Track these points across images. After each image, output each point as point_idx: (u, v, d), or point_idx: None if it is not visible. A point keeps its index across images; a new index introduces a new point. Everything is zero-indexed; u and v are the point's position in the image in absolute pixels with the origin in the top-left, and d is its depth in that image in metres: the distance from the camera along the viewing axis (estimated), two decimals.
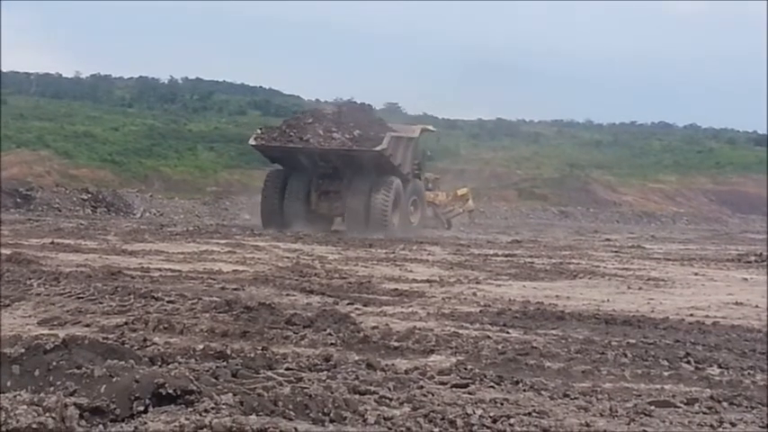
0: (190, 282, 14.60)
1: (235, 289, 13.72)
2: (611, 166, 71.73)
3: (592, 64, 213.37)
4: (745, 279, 18.61)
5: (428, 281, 16.23)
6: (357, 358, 8.28)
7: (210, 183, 53.50)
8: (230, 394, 5.90)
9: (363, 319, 10.98)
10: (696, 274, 19.58)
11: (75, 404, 5.35)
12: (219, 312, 10.80)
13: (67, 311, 10.90)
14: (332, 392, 6.31)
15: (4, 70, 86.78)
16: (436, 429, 5.80)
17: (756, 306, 13.79)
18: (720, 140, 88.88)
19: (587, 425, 6.03)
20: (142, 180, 51.42)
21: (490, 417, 6.11)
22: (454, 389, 7.21)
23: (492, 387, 7.37)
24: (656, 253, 26.48)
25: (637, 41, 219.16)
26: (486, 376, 7.66)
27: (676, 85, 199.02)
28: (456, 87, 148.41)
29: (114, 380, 5.73)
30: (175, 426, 5.20)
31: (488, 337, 9.91)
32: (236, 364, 7.16)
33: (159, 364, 7.06)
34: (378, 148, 32.04)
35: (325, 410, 5.88)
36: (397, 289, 14.64)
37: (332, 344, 9.23)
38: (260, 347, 8.50)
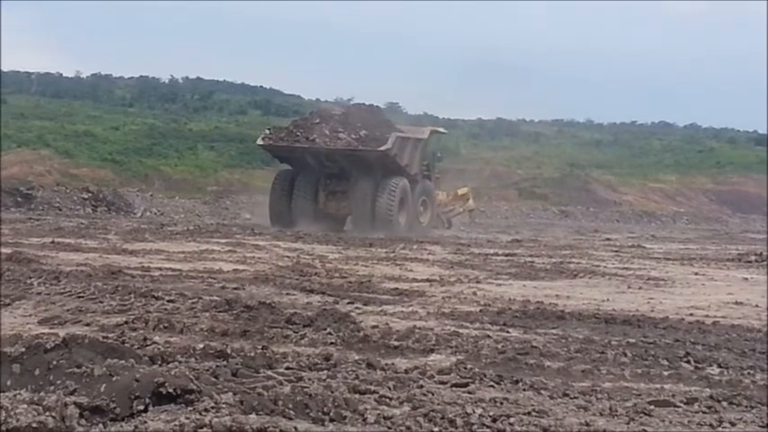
0: (190, 281, 14.61)
1: (235, 288, 13.72)
2: (612, 165, 71.70)
3: (592, 63, 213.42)
4: (746, 279, 18.61)
5: (428, 280, 16.24)
6: (357, 357, 8.28)
7: (211, 182, 53.46)
8: (230, 393, 5.90)
9: (363, 319, 10.99)
10: (696, 273, 19.58)
11: (75, 403, 5.35)
12: (220, 311, 10.81)
13: (68, 310, 10.91)
14: (332, 392, 6.32)
15: (4, 70, 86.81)
16: (436, 428, 5.81)
17: (756, 306, 13.79)
18: (721, 140, 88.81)
19: (587, 424, 6.04)
20: (142, 179, 51.39)
21: (490, 416, 6.12)
22: (454, 388, 7.21)
23: (492, 386, 7.37)
24: (657, 252, 26.47)
25: (637, 41, 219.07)
26: (485, 375, 7.66)
27: (677, 85, 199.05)
28: (456, 87, 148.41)
29: (114, 379, 5.74)
30: (175, 425, 5.20)
31: (488, 336, 9.91)
32: (237, 364, 7.16)
33: (159, 363, 7.06)
34: (382, 148, 32.28)
35: (325, 410, 5.89)
36: (397, 288, 14.64)
37: (332, 343, 9.24)
38: (260, 347, 8.51)
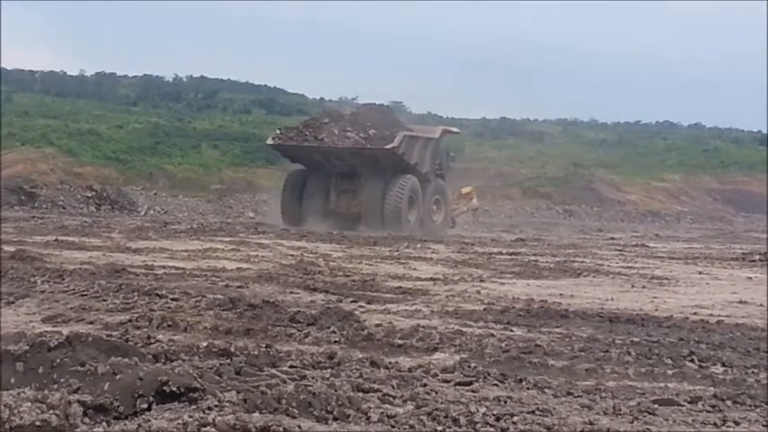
0: (194, 279, 14.61)
1: (239, 287, 13.73)
2: (616, 164, 71.65)
3: (596, 63, 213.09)
4: (750, 278, 18.60)
5: (432, 279, 16.24)
6: (361, 356, 8.28)
7: (215, 181, 53.49)
8: (234, 392, 5.90)
9: (367, 317, 10.98)
10: (700, 272, 19.57)
11: (78, 401, 5.35)
12: (223, 310, 10.81)
13: (71, 309, 10.92)
14: (335, 390, 6.31)
15: (8, 68, 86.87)
16: (439, 427, 5.80)
17: (760, 305, 13.78)
18: (725, 140, 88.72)
19: (591, 423, 6.03)
20: (146, 178, 51.42)
21: (493, 415, 6.11)
22: (458, 387, 7.21)
23: (495, 385, 7.37)
24: (661, 252, 26.47)
25: (641, 40, 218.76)
26: (489, 374, 7.66)
27: (681, 85, 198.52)
28: (460, 86, 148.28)
29: (118, 377, 5.74)
30: (179, 423, 5.20)
31: (492, 335, 9.90)
32: (240, 362, 7.16)
33: (163, 361, 7.06)
34: (389, 146, 32.58)
35: (329, 408, 5.88)
36: (401, 287, 14.64)
37: (336, 341, 9.24)
38: (264, 345, 8.51)
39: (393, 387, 6.88)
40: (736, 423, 6.42)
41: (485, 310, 12.15)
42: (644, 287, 16.14)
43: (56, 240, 21.49)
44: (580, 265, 20.08)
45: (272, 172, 53.19)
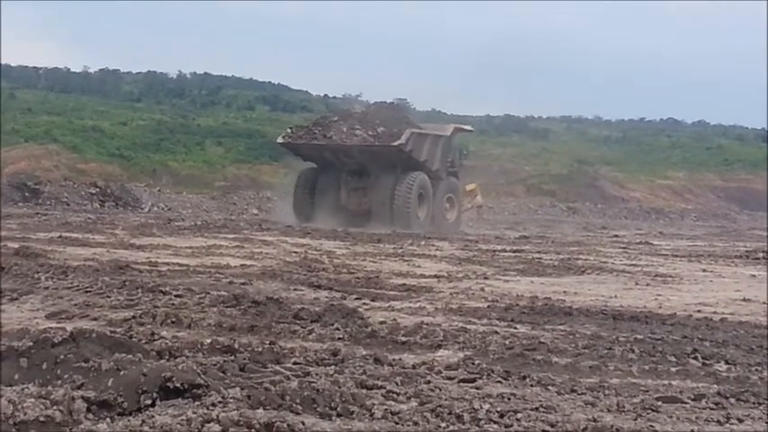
0: (198, 276, 14.61)
1: (243, 283, 13.72)
2: (620, 162, 71.71)
3: (600, 60, 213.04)
4: (753, 276, 18.58)
5: (436, 276, 16.24)
6: (365, 353, 8.29)
7: (219, 177, 53.57)
8: (238, 388, 5.91)
9: (371, 314, 10.98)
10: (704, 270, 19.55)
11: (82, 397, 5.36)
12: (227, 307, 10.80)
13: (75, 305, 10.92)
14: (339, 387, 6.32)
15: (12, 64, 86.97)
16: (443, 424, 5.80)
17: (764, 302, 13.75)
18: (729, 137, 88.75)
19: (594, 420, 6.03)
20: (150, 175, 51.50)
21: (497, 411, 6.11)
22: (461, 384, 7.21)
23: (499, 382, 7.37)
24: (664, 249, 26.45)
25: (645, 38, 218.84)
26: (493, 371, 7.66)
27: (685, 82, 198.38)
28: (464, 83, 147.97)
29: (122, 373, 5.74)
30: (182, 419, 5.20)
31: (496, 332, 9.90)
32: (244, 359, 7.16)
33: (167, 357, 7.06)
34: (395, 143, 32.88)
35: (333, 405, 5.89)
36: (404, 284, 14.63)
37: (339, 338, 9.23)
38: (267, 342, 8.51)
39: (397, 384, 6.88)
40: (740, 420, 6.42)
41: (488, 307, 12.14)
42: (648, 285, 16.13)
43: (60, 237, 21.50)
44: (584, 262, 20.08)
45: (276, 169, 53.27)
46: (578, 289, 14.97)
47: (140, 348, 6.82)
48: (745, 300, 14.17)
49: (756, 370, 8.33)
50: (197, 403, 5.61)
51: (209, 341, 8.05)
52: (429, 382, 7.12)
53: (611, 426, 5.92)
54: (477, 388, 7.06)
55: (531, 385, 7.28)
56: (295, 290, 13.35)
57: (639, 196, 63.14)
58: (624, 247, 26.35)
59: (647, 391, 7.24)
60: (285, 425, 5.21)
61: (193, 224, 30.09)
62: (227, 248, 20.38)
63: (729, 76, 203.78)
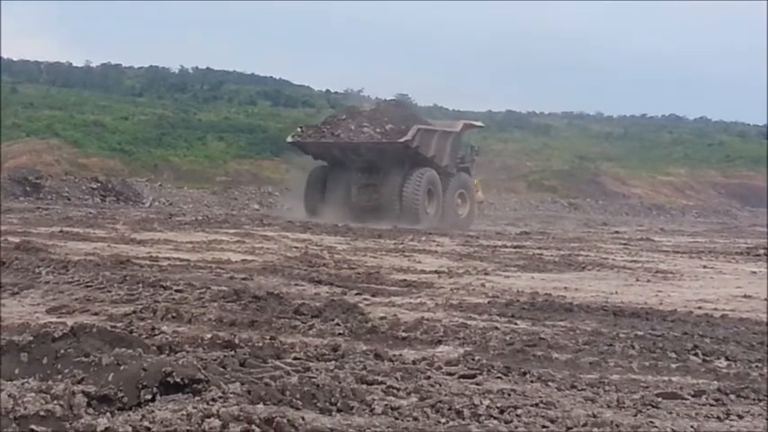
0: (198, 271, 14.61)
1: (243, 278, 13.73)
2: (621, 158, 71.69)
3: (603, 56, 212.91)
4: (754, 272, 18.57)
5: (436, 272, 16.23)
6: (365, 348, 8.28)
7: (220, 173, 53.60)
8: (238, 383, 5.90)
9: (371, 310, 10.98)
10: (705, 266, 19.55)
11: (82, 392, 5.36)
12: (228, 302, 10.80)
13: (76, 300, 10.92)
14: (339, 382, 6.32)
15: (14, 59, 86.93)
16: (443, 419, 5.81)
17: (765, 299, 13.74)
18: (731, 134, 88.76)
19: (594, 416, 6.03)
20: (151, 169, 51.53)
21: (497, 407, 6.11)
22: (462, 379, 7.21)
23: (499, 378, 7.37)
24: (665, 245, 26.45)
25: (648, 34, 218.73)
26: (493, 367, 7.66)
27: (687, 78, 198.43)
28: (466, 79, 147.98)
29: (122, 368, 5.74)
30: (183, 414, 5.20)
31: (496, 328, 9.89)
32: (244, 354, 7.16)
33: (167, 352, 7.06)
34: (402, 140, 33.41)
35: (333, 400, 5.89)
36: (405, 280, 14.64)
37: (340, 334, 9.23)
38: (268, 337, 8.51)
39: (397, 379, 6.88)
40: (740, 417, 6.41)
41: (489, 303, 12.14)
42: (648, 281, 16.12)
43: (60, 231, 21.53)
44: (585, 258, 20.08)
45: (278, 164, 53.32)
46: (579, 285, 14.97)
47: (141, 343, 6.82)
48: (745, 296, 14.16)
49: (757, 366, 8.32)
50: (197, 398, 5.61)
51: (209, 336, 8.05)
52: (429, 377, 7.12)
53: (611, 422, 5.91)
54: (477, 384, 7.06)
55: (532, 381, 7.28)
56: (296, 285, 13.35)
57: (641, 192, 63.15)
58: (625, 244, 26.35)
59: (648, 388, 7.23)
60: (285, 420, 5.21)
61: (194, 219, 30.14)
62: (228, 243, 20.39)
63: (731, 73, 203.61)
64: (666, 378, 7.76)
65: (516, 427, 5.78)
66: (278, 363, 7.13)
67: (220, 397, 5.61)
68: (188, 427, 5.06)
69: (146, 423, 5.10)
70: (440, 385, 6.84)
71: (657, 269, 18.19)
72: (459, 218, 35.76)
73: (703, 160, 73.27)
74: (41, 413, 5.01)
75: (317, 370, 6.96)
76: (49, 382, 5.46)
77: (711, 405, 6.74)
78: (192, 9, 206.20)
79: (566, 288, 14.37)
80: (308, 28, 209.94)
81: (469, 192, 36.91)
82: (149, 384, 5.63)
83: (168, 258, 16.29)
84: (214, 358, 6.78)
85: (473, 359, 7.97)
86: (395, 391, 6.47)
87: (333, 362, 7.51)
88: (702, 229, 41.15)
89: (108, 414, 5.29)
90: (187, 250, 18.32)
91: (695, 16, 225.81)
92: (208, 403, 5.47)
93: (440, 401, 6.11)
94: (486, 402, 6.19)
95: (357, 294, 12.55)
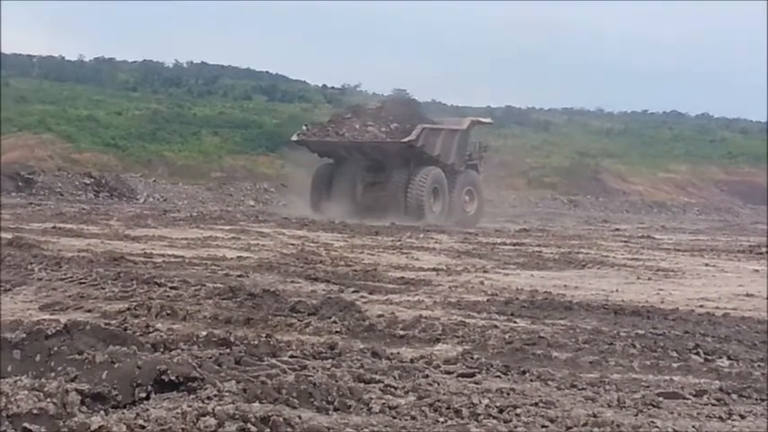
0: (193, 268, 14.62)
1: (239, 275, 13.73)
2: (622, 154, 71.64)
3: (603, 52, 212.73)
4: (756, 270, 18.58)
5: (435, 269, 16.24)
6: (362, 346, 8.28)
7: (215, 168, 53.52)
8: (233, 381, 5.91)
9: (369, 307, 10.98)
10: (706, 264, 19.56)
11: (76, 390, 5.36)
12: (223, 299, 10.81)
13: (69, 297, 10.92)
14: (336, 381, 6.33)
15: (6, 52, 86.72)
16: (441, 419, 5.81)
17: (767, 298, 13.76)
18: (733, 130, 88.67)
19: (594, 416, 6.03)
20: (145, 165, 51.48)
21: (496, 406, 6.12)
22: (460, 378, 7.22)
23: (498, 377, 7.37)
24: (666, 243, 26.47)
25: (649, 29, 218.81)
26: (492, 366, 7.67)
27: (689, 74, 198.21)
28: (465, 74, 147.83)
29: (116, 366, 5.75)
30: (177, 413, 5.21)
31: (495, 326, 9.90)
32: (240, 352, 7.17)
33: (162, 350, 7.08)
34: (405, 140, 33.76)
35: (330, 399, 5.90)
36: (403, 277, 14.64)
37: (337, 332, 9.24)
38: (264, 335, 8.52)
39: (395, 378, 6.89)
40: (742, 417, 6.42)
41: (488, 301, 12.15)
42: (649, 279, 16.13)
43: (53, 227, 21.52)
44: (585, 256, 20.09)
45: (273, 160, 53.30)
46: (579, 283, 14.98)
47: (135, 341, 6.82)
48: (747, 295, 14.17)
49: (759, 366, 8.34)
50: (192, 396, 5.62)
51: (204, 334, 8.05)
52: (427, 376, 7.12)
53: (612, 421, 5.92)
54: (475, 383, 7.07)
55: (531, 380, 7.29)
56: (292, 282, 13.35)
57: (641, 189, 63.15)
58: (626, 241, 26.37)
59: (649, 387, 7.24)
60: (281, 419, 5.21)
61: (189, 215, 30.11)
62: (224, 240, 20.39)
63: (733, 69, 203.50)
64: (668, 377, 7.77)
65: (516, 427, 5.79)
66: (274, 361, 7.14)
67: (216, 395, 5.62)
68: (183, 426, 5.06)
69: (140, 422, 5.10)
70: (438, 384, 6.85)
71: (658, 267, 18.20)
72: (467, 215, 35.97)
73: (705, 157, 73.21)
74: (34, 411, 5.01)
75: (313, 368, 6.97)
76: (43, 380, 5.47)
77: (713, 405, 6.75)
78: (187, 2, 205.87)
79: (566, 286, 14.39)
80: (305, 22, 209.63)
81: (477, 189, 37.16)
82: (144, 382, 5.64)
83: (163, 255, 16.30)
84: (209, 356, 6.79)
85: (472, 358, 7.98)
86: (392, 389, 6.48)
87: (330, 360, 7.52)
88: (704, 226, 41.17)
89: (102, 412, 5.29)
90: (182, 247, 18.32)
91: (697, 11, 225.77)
92: (203, 402, 5.47)
93: (438, 400, 6.12)
94: (485, 401, 6.20)
95: (354, 292, 12.56)
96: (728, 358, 8.67)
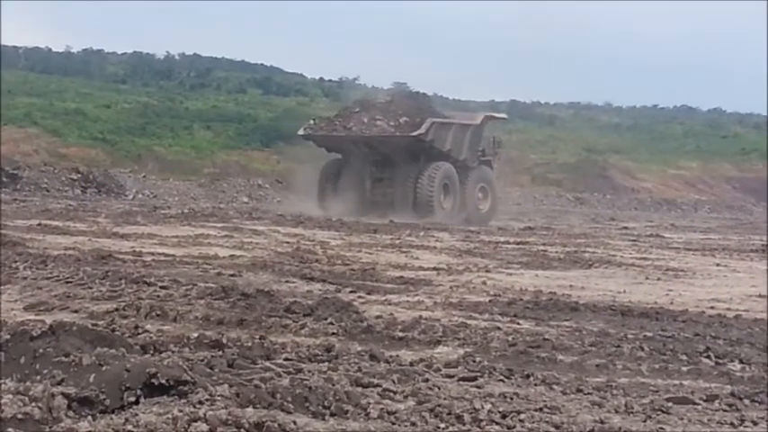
0: (184, 267, 14.62)
1: (231, 275, 13.73)
2: (630, 150, 71.68)
3: (612, 45, 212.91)
4: None
5: (435, 269, 16.25)
6: (360, 349, 8.28)
7: (207, 164, 53.54)
8: (226, 385, 5.90)
9: (367, 308, 10.99)
10: (718, 264, 19.57)
11: (62, 394, 5.35)
12: (215, 299, 10.80)
13: (55, 296, 10.92)
14: (333, 385, 6.32)
15: None
16: (442, 424, 5.81)
17: None
18: (746, 125, 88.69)
19: (601, 422, 6.03)
20: (135, 160, 51.48)
21: (499, 412, 6.12)
22: (461, 382, 7.22)
23: (501, 381, 7.37)
24: (676, 242, 26.49)
25: (659, 23, 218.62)
26: (495, 369, 7.66)
27: (700, 68, 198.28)
28: (467, 67, 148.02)
29: (104, 369, 5.74)
30: (168, 418, 5.20)
31: (498, 328, 9.91)
32: (233, 354, 7.17)
33: (151, 352, 7.07)
34: (414, 134, 33.92)
35: (326, 403, 5.89)
36: (402, 277, 14.65)
37: (333, 333, 9.23)
38: (257, 336, 8.52)
39: (393, 382, 6.89)
40: (755, 423, 6.42)
41: (490, 301, 12.15)
42: (658, 279, 16.14)
43: (39, 225, 21.52)
44: (591, 255, 20.09)
45: (268, 155, 53.36)
46: (585, 283, 14.99)
47: (124, 342, 6.82)
48: (760, 296, 14.17)
49: None
50: (183, 401, 5.61)
51: (195, 335, 8.05)
52: (427, 380, 7.12)
53: (620, 428, 5.92)
54: (477, 387, 7.07)
55: (535, 384, 7.29)
56: (287, 282, 13.36)
57: (651, 186, 63.20)
58: (634, 240, 26.39)
59: (657, 392, 7.24)
60: (276, 424, 5.21)
61: (180, 212, 30.13)
62: (216, 238, 20.40)
63: (747, 63, 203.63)
64: (677, 382, 7.76)
65: None
66: (268, 364, 7.13)
67: (207, 399, 5.61)
68: None
69: (129, 427, 5.10)
70: (438, 388, 6.84)
71: (668, 267, 18.21)
72: (480, 212, 36.11)
73: (716, 153, 73.26)
74: (19, 416, 5.00)
75: (309, 371, 6.97)
76: (28, 384, 5.46)
77: (724, 410, 6.75)
78: None
79: (571, 286, 14.39)
80: (301, 14, 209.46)
81: (491, 186, 37.27)
82: (133, 386, 5.63)
83: (152, 253, 16.30)
84: (201, 359, 6.79)
85: (474, 361, 7.98)
86: (391, 394, 6.48)
87: (326, 363, 7.52)
88: (715, 225, 41.21)
89: (89, 417, 5.29)
90: (172, 245, 18.33)
91: (709, 4, 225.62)
92: (194, 406, 5.47)
93: (439, 405, 6.11)
94: (488, 407, 6.20)
95: (351, 292, 12.56)
96: (740, 362, 8.66)
